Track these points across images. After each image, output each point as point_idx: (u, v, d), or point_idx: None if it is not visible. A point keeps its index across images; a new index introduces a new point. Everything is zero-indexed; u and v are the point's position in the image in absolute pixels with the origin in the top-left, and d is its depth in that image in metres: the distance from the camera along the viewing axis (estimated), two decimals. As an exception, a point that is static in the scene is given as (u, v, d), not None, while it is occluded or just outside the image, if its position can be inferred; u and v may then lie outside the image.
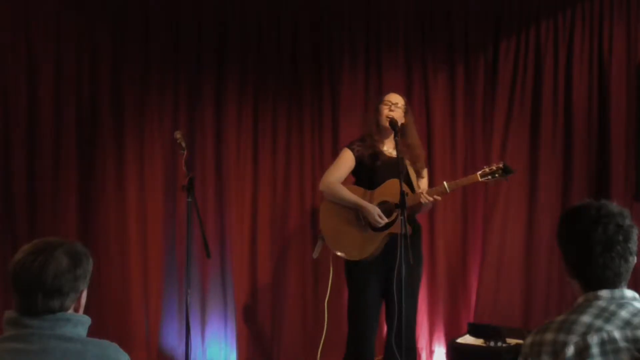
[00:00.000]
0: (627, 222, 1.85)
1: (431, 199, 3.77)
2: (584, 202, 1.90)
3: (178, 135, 3.95)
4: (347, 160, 3.96)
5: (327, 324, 4.07)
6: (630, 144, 4.61)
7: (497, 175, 3.76)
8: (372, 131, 3.94)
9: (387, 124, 3.82)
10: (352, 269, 3.93)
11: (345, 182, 3.99)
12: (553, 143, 4.74)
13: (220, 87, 4.89)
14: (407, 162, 3.89)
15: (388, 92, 4.03)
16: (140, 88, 4.83)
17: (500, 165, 3.78)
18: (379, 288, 3.86)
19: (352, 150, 3.96)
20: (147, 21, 4.83)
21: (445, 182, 3.81)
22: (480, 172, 3.80)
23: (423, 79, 4.87)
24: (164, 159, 4.84)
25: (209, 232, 4.43)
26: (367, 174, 3.93)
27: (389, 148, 3.94)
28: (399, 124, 3.80)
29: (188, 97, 4.87)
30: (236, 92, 4.89)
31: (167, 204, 4.82)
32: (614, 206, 1.87)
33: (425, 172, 4.05)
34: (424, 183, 4.03)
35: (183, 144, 3.88)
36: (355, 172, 3.99)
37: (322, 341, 4.12)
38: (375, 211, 3.79)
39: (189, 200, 3.76)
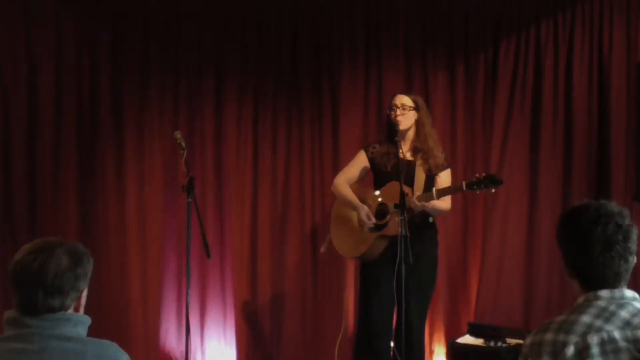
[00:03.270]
0: (627, 221, 1.85)
1: (419, 204, 3.71)
2: (583, 202, 1.90)
3: (178, 135, 3.95)
4: (359, 162, 4.02)
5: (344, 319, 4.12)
6: (630, 144, 4.61)
7: (482, 185, 3.58)
8: (386, 134, 3.98)
9: (396, 128, 3.81)
10: (364, 271, 3.98)
11: (364, 183, 4.07)
12: (553, 143, 4.73)
13: (220, 87, 4.88)
14: (420, 164, 3.86)
15: (395, 93, 4.00)
16: (140, 88, 4.82)
17: (484, 175, 3.61)
18: (391, 290, 3.79)
19: (367, 151, 4.00)
20: (147, 21, 4.83)
21: (434, 189, 3.76)
22: (466, 182, 3.68)
23: (423, 79, 4.86)
24: (164, 159, 4.83)
25: (209, 232, 4.42)
26: (379, 176, 3.96)
27: (404, 151, 3.91)
28: (399, 126, 3.80)
29: (188, 97, 4.87)
30: (236, 92, 4.88)
31: (167, 204, 4.81)
32: (613, 206, 1.87)
33: (445, 174, 3.93)
34: (443, 184, 3.89)
35: (183, 144, 3.88)
36: (373, 174, 4.03)
37: (340, 335, 4.15)
38: (364, 211, 3.84)
39: (189, 200, 3.76)
